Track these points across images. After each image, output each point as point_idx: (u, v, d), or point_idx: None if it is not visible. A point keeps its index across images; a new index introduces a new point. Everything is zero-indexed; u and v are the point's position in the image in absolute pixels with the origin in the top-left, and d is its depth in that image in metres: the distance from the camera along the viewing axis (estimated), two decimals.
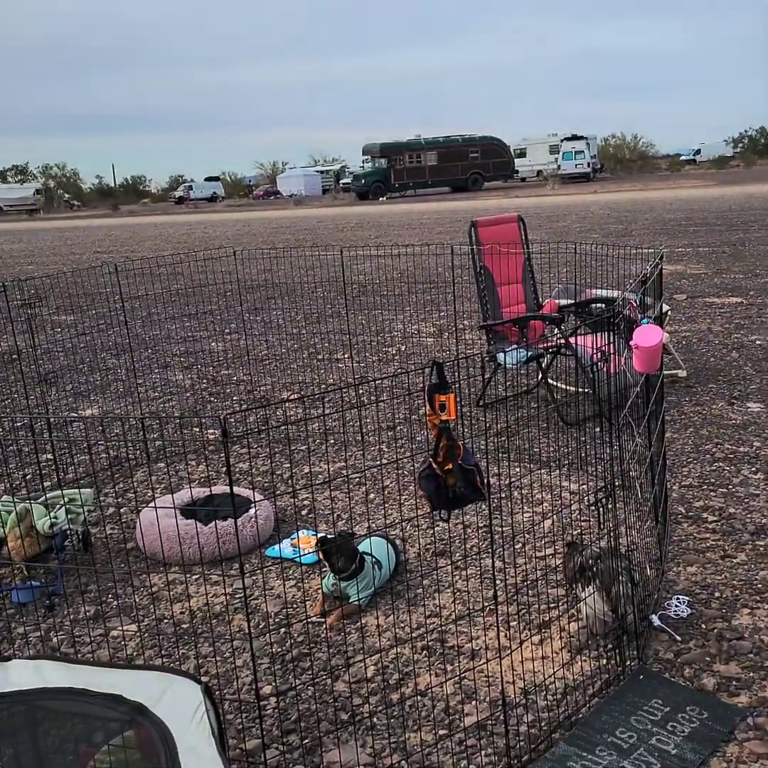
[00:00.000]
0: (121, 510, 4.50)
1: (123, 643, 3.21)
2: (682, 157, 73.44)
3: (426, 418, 2.34)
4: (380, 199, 46.13)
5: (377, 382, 6.64)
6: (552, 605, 3.27)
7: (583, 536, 3.79)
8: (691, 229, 17.82)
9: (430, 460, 2.34)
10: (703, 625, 3.08)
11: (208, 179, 72.42)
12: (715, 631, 3.04)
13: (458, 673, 2.86)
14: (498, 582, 3.44)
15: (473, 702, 2.73)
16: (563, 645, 3.00)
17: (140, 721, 2.02)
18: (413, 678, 2.88)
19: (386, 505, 4.33)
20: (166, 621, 3.36)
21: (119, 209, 59.11)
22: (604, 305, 5.40)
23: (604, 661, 2.89)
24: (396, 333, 8.74)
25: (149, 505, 4.07)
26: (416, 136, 49.73)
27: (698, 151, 73.16)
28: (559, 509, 4.15)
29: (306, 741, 2.60)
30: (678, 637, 3.00)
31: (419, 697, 2.77)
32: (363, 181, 48.48)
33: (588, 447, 4.89)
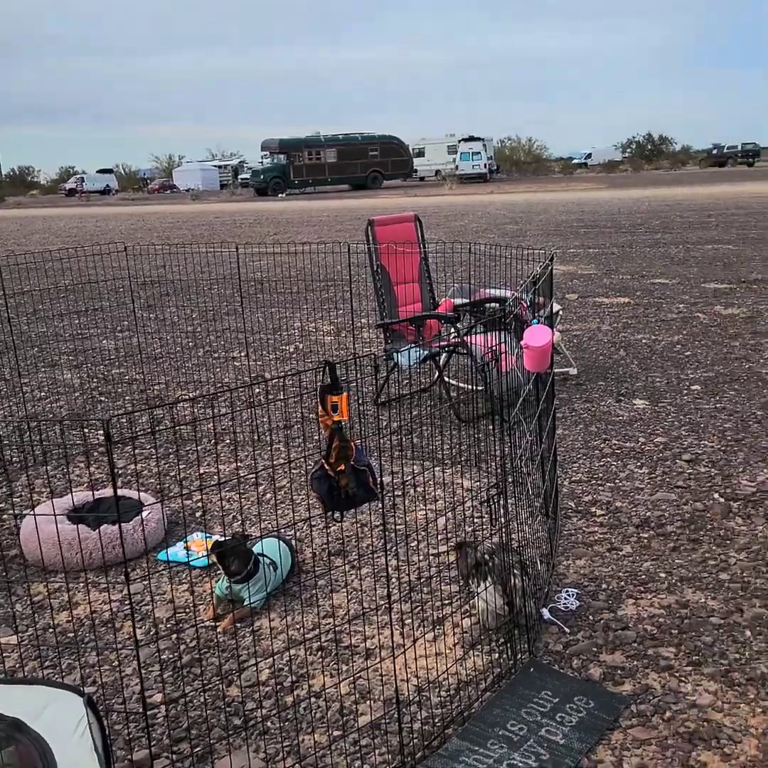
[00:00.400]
0: (3, 516, 4.30)
1: (2, 655, 3.07)
2: (575, 161, 75.60)
3: (318, 419, 2.32)
4: (280, 195, 45.78)
5: (272, 382, 6.58)
6: (446, 602, 3.31)
7: (476, 532, 3.84)
8: (582, 231, 18.37)
9: (322, 461, 2.33)
10: (591, 617, 3.17)
11: (101, 171, 70.26)
12: (602, 622, 3.13)
13: (353, 673, 2.86)
14: (393, 580, 3.45)
15: (368, 702, 2.73)
16: (457, 641, 3.04)
17: (18, 737, 1.93)
18: (308, 680, 2.86)
19: (282, 506, 4.29)
20: (50, 631, 3.23)
21: (5, 201, 56.68)
22: (498, 305, 5.50)
23: (497, 655, 2.94)
24: (294, 331, 8.69)
25: (32, 511, 3.90)
26: (316, 132, 49.62)
27: (589, 155, 75.49)
28: (454, 506, 4.20)
29: (197, 749, 2.55)
30: (567, 629, 3.08)
31: (314, 699, 2.75)
32: (262, 177, 48.03)
33: (483, 444, 4.97)
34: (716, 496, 4.20)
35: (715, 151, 66.86)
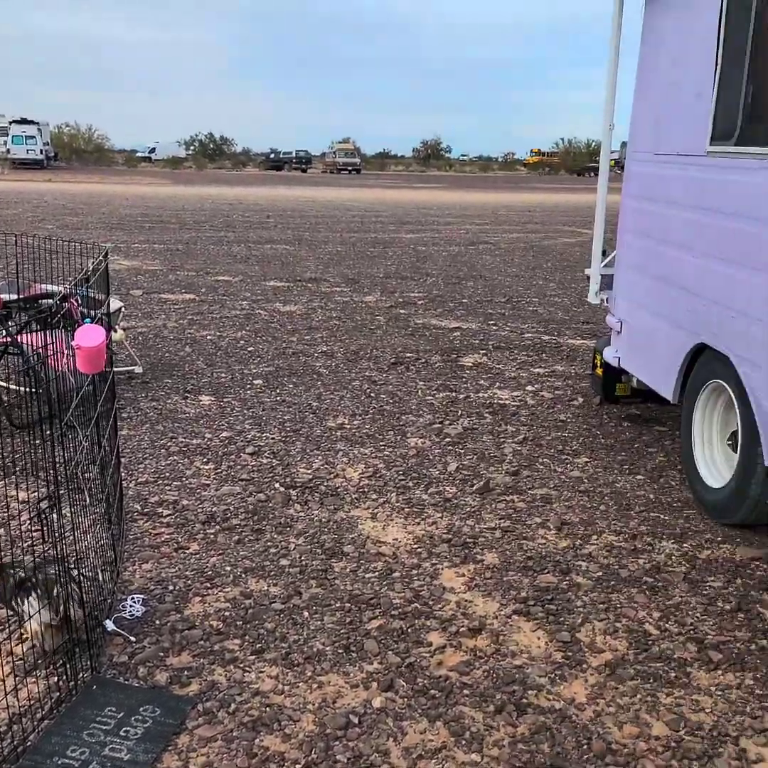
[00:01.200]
0: None
1: None
2: (139, 154, 74.47)
3: None
4: None
5: None
6: None
7: (34, 548, 3.55)
8: (147, 226, 18.12)
9: None
10: (158, 621, 3.11)
11: None
12: (169, 624, 3.09)
13: None
14: None
15: None
16: (10, 670, 2.77)
17: None
18: None
19: None
20: None
21: None
22: (54, 301, 5.16)
23: (56, 679, 2.74)
24: None
25: None
26: None
27: (153, 150, 74.88)
28: (6, 521, 3.84)
29: None
30: (132, 638, 2.98)
31: None
32: None
33: (40, 451, 4.62)
34: (277, 485, 4.40)
35: (272, 156, 70.74)
